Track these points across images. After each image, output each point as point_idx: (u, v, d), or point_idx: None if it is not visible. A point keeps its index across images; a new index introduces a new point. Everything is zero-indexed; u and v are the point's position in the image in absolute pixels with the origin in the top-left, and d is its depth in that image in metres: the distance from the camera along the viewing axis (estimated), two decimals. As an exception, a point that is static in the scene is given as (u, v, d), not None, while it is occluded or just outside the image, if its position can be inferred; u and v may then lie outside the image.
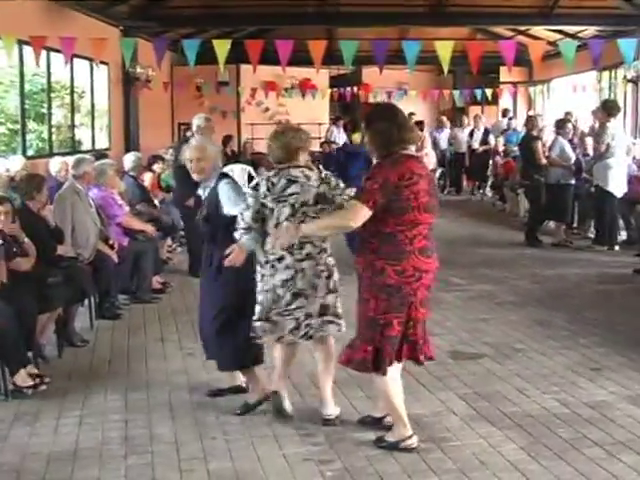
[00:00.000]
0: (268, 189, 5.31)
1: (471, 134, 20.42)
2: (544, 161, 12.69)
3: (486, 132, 20.38)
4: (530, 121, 13.55)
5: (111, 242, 8.56)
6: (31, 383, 6.12)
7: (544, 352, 7.14)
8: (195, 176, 5.92)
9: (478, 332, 7.83)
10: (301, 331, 5.38)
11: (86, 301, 7.99)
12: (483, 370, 6.68)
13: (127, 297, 9.11)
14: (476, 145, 20.19)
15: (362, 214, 4.71)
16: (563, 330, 7.85)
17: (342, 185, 5.47)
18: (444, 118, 21.49)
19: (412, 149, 5.03)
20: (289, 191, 5.29)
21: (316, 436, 5.24)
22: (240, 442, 5.21)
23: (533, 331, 7.83)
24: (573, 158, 12.79)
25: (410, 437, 5.05)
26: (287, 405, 5.61)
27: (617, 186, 12.16)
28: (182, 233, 13.35)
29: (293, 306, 5.34)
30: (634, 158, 13.18)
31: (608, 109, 12.38)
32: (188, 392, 6.19)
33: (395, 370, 5.02)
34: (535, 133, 13.12)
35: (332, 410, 5.49)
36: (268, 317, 5.40)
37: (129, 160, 11.47)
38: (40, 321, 6.62)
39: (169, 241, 12.41)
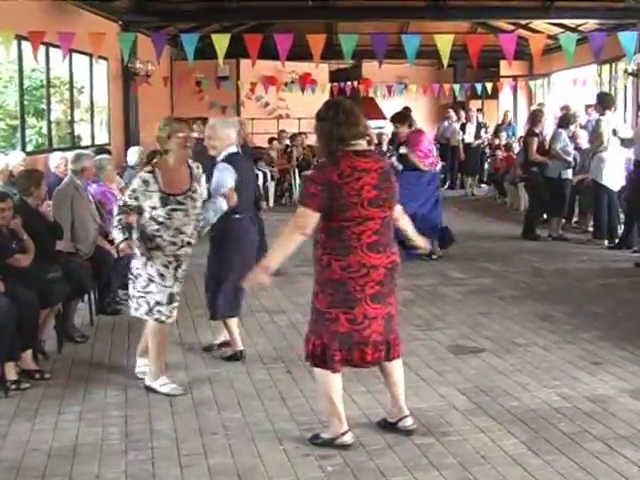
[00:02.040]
0: None
1: (462, 128, 20.40)
2: (539, 158, 12.65)
3: (479, 126, 20.41)
4: (533, 116, 13.42)
5: (111, 238, 8.52)
6: (15, 378, 6.13)
7: (545, 346, 7.13)
8: (211, 152, 6.79)
9: (479, 326, 7.81)
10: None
11: (86, 297, 7.98)
12: (484, 364, 6.67)
13: (127, 292, 9.06)
14: (469, 139, 20.17)
15: (309, 220, 4.76)
16: (564, 324, 7.84)
17: None
18: (451, 111, 21.46)
19: (362, 143, 4.91)
20: None
21: (317, 431, 5.21)
22: (240, 437, 5.20)
23: (534, 325, 7.82)
24: (573, 153, 12.79)
25: (345, 434, 5.01)
26: None
27: (613, 180, 12.17)
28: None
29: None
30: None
31: (604, 102, 12.38)
32: (188, 387, 6.17)
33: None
34: (536, 129, 13.01)
35: None
36: None
37: (133, 154, 11.59)
38: (40, 317, 6.60)
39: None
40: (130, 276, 6.18)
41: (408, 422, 5.20)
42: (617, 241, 12.11)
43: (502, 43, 12.62)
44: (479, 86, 20.98)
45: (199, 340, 7.45)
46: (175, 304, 6.13)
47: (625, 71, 16.79)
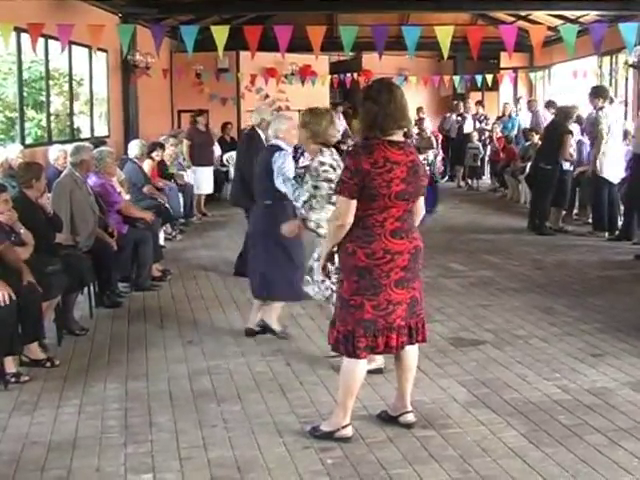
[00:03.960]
0: None
1: (461, 119, 20.41)
2: (571, 155, 12.64)
3: (474, 118, 20.45)
4: (567, 112, 13.13)
5: (110, 230, 8.53)
6: (14, 371, 6.15)
7: (545, 338, 7.12)
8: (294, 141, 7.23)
9: (479, 318, 7.81)
10: None
11: (85, 289, 7.96)
12: (484, 357, 6.66)
13: (127, 285, 9.09)
14: (467, 130, 20.19)
15: (346, 208, 4.77)
16: (564, 316, 7.83)
17: None
18: (455, 102, 21.45)
19: (400, 133, 4.90)
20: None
21: (316, 424, 5.20)
22: (240, 430, 5.19)
23: (534, 317, 7.81)
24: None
25: (346, 427, 5.02)
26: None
27: (613, 172, 12.17)
28: (182, 220, 13.41)
29: None
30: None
31: (599, 94, 12.33)
32: (188, 380, 6.16)
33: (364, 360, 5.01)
34: (568, 125, 12.88)
35: None
36: None
37: (135, 146, 11.63)
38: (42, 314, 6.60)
39: (169, 228, 12.42)
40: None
41: (409, 417, 5.20)
42: (617, 233, 12.12)
43: (502, 35, 12.57)
44: (479, 78, 20.93)
45: (198, 333, 7.44)
46: None
47: (626, 63, 16.74)
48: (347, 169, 4.78)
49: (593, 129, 12.30)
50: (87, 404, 5.70)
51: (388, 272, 4.84)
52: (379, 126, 4.79)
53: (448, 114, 21.54)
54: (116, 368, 6.49)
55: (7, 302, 5.92)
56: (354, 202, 4.74)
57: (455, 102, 21.66)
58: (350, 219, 4.77)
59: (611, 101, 12.79)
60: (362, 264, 4.82)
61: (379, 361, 6.07)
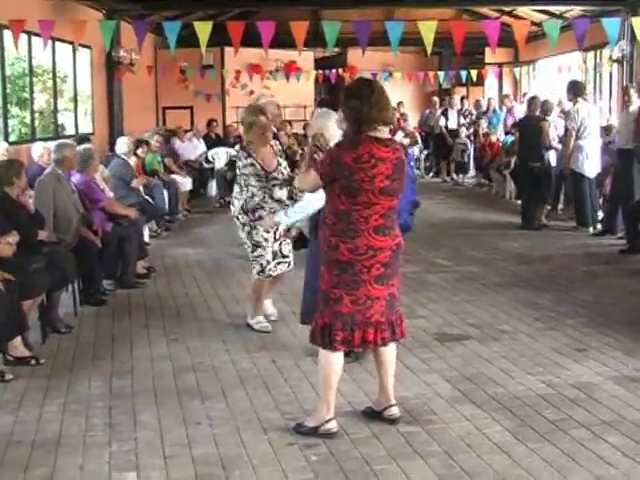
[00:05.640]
0: None
1: (444, 114, 20.46)
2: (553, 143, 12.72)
3: (459, 113, 20.52)
4: (536, 105, 13.21)
5: (94, 228, 8.49)
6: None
7: (530, 333, 7.13)
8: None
9: (464, 314, 7.82)
10: None
11: (70, 287, 7.92)
12: (469, 352, 6.67)
13: (111, 282, 9.05)
14: (452, 125, 20.24)
15: (308, 179, 5.02)
16: (549, 311, 7.84)
17: None
18: (435, 99, 21.53)
19: (385, 130, 4.93)
20: None
21: (300, 420, 5.20)
22: (225, 427, 5.18)
23: (519, 312, 7.82)
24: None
25: (330, 421, 5.03)
26: None
27: (590, 168, 12.23)
28: (167, 217, 13.39)
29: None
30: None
31: (576, 90, 12.37)
32: (173, 378, 6.15)
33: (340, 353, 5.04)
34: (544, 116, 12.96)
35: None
36: None
37: (123, 143, 11.68)
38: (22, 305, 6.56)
39: (153, 225, 12.39)
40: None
41: (393, 411, 5.20)
42: (601, 228, 12.17)
43: (486, 30, 12.59)
44: (464, 73, 20.97)
45: (183, 330, 7.42)
46: (278, 259, 7.33)
47: (610, 58, 16.79)
48: (328, 154, 4.92)
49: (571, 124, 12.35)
50: (71, 402, 5.67)
51: (369, 268, 4.88)
52: (364, 119, 4.82)
53: (428, 110, 21.61)
54: (100, 366, 6.46)
55: None
56: (318, 181, 4.92)
57: (434, 98, 21.70)
58: (305, 188, 5.20)
59: (584, 97, 12.80)
60: (344, 259, 4.86)
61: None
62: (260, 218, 7.10)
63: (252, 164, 7.14)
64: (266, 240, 7.20)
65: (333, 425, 5.03)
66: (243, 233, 7.29)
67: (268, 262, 7.23)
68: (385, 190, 4.81)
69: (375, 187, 4.77)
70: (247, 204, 7.16)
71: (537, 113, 12.97)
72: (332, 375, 5.02)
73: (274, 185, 7.15)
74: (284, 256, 7.39)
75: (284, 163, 7.41)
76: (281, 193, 7.19)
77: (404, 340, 5.47)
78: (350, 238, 4.84)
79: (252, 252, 7.25)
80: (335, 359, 5.00)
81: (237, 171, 7.35)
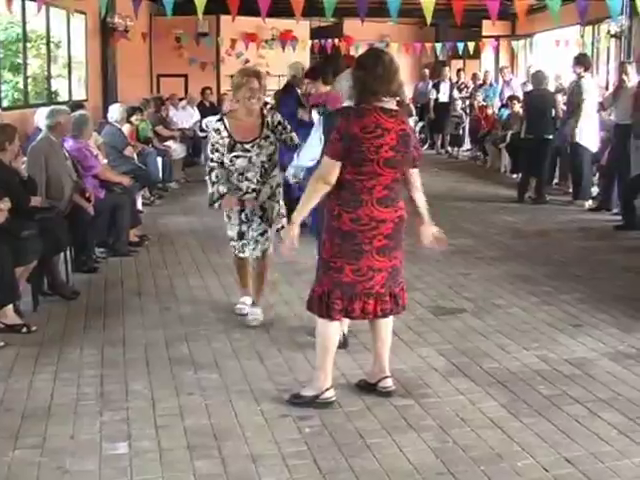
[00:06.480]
0: None
1: (436, 86, 20.34)
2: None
3: (452, 85, 20.39)
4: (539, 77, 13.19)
5: (87, 194, 8.40)
6: None
7: (525, 308, 7.10)
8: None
9: (459, 287, 7.79)
10: None
11: (62, 254, 7.85)
12: (463, 326, 6.64)
13: (104, 250, 8.99)
14: (443, 98, 20.11)
15: (330, 168, 4.81)
16: (544, 286, 7.81)
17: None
18: (426, 71, 21.43)
19: (391, 101, 4.92)
20: None
21: (294, 392, 5.17)
22: (217, 398, 5.14)
23: (514, 287, 7.80)
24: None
25: (328, 389, 5.03)
26: None
27: (591, 141, 12.22)
28: (160, 185, 13.32)
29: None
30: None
31: (585, 63, 12.34)
32: (165, 347, 6.10)
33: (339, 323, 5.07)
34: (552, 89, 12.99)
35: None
36: None
37: (116, 110, 11.58)
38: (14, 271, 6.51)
39: (147, 193, 12.32)
40: None
41: (388, 383, 5.17)
42: (597, 204, 12.15)
43: (486, 2, 12.44)
44: (461, 45, 20.83)
45: (176, 299, 7.37)
46: (244, 241, 6.71)
47: (608, 33, 16.69)
48: (337, 131, 4.82)
49: (573, 98, 12.30)
50: (62, 371, 5.62)
51: (371, 239, 4.86)
52: (369, 90, 4.82)
53: (421, 83, 21.53)
54: (92, 334, 6.41)
55: None
56: (338, 164, 4.77)
57: (425, 70, 21.58)
58: (332, 179, 4.81)
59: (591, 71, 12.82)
60: (346, 228, 4.84)
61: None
62: (222, 195, 6.50)
63: (217, 129, 6.46)
64: (229, 217, 6.71)
65: (331, 394, 5.02)
66: None
67: (232, 239, 6.75)
68: (389, 161, 4.78)
69: (380, 157, 4.75)
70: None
71: (544, 86, 12.96)
72: (329, 345, 5.00)
73: (237, 156, 6.43)
74: (255, 240, 6.63)
75: (272, 137, 6.51)
76: (244, 165, 6.45)
77: (403, 312, 5.43)
78: (353, 208, 4.82)
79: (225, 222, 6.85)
80: (332, 328, 4.98)
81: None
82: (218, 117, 6.62)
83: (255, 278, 6.89)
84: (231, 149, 6.42)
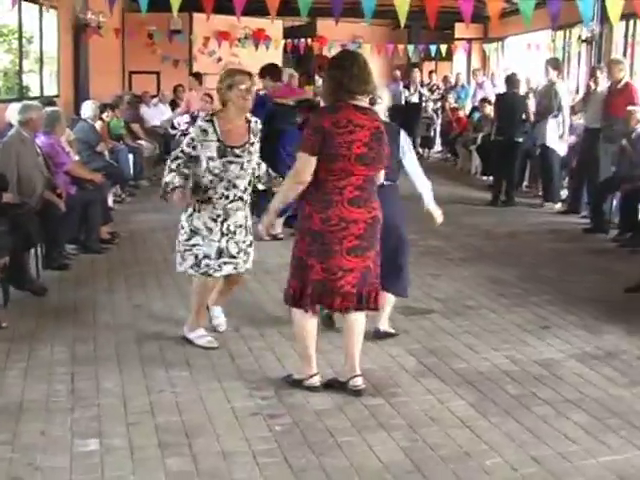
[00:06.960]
0: None
1: (406, 87, 20.37)
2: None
3: (420, 87, 20.46)
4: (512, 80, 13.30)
5: (59, 191, 8.37)
6: None
7: (494, 309, 7.17)
8: None
9: (428, 288, 7.84)
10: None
11: (32, 251, 7.82)
12: (433, 326, 6.69)
13: (75, 247, 8.96)
14: (413, 99, 20.14)
15: (304, 164, 4.88)
16: (514, 287, 7.89)
17: None
18: (397, 72, 21.49)
19: (365, 100, 5.00)
20: None
21: (265, 390, 5.20)
22: (188, 396, 5.15)
23: (484, 288, 7.86)
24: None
25: (313, 376, 5.20)
26: None
27: (562, 145, 12.37)
28: (132, 183, 13.28)
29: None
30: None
31: (558, 67, 12.49)
32: (136, 345, 6.10)
33: (312, 314, 5.18)
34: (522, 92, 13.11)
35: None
36: None
37: (89, 107, 11.52)
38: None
39: (118, 190, 12.29)
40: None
41: (358, 382, 5.21)
42: (567, 206, 12.27)
43: (460, 4, 12.51)
44: (433, 48, 20.92)
45: (147, 297, 7.37)
46: (225, 259, 5.98)
47: (579, 37, 16.83)
48: (310, 126, 4.89)
49: (547, 102, 12.41)
50: (34, 367, 5.61)
51: (341, 239, 4.93)
52: (345, 88, 4.88)
53: (392, 85, 21.51)
54: (63, 331, 6.39)
55: None
56: (313, 159, 4.82)
57: (396, 72, 21.59)
58: (307, 177, 4.86)
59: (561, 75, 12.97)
60: (316, 228, 4.92)
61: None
62: (209, 199, 5.91)
63: (204, 130, 5.88)
64: (209, 230, 5.92)
65: (316, 380, 5.19)
66: (184, 215, 6.04)
67: (206, 256, 5.93)
68: (362, 157, 4.84)
69: (352, 153, 4.80)
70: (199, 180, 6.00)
71: (515, 89, 13.07)
72: (307, 335, 5.16)
73: (230, 162, 5.88)
74: (232, 256, 5.99)
75: (256, 145, 6.07)
76: (237, 173, 5.91)
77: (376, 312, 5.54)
78: (324, 208, 4.88)
79: (186, 240, 5.98)
80: (308, 318, 5.13)
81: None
82: (207, 117, 6.02)
83: (224, 291, 6.43)
84: (222, 155, 5.84)
